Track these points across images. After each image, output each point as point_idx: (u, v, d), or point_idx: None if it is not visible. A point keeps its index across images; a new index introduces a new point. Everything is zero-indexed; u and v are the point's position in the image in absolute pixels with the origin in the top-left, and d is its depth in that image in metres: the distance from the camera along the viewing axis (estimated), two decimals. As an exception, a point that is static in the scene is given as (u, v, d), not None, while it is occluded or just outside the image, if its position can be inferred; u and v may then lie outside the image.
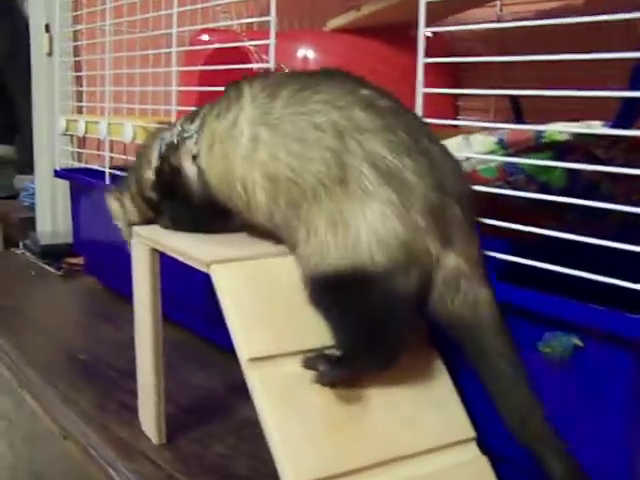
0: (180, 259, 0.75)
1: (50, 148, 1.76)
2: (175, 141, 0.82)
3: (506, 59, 0.75)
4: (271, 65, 0.98)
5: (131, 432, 0.89)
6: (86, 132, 1.43)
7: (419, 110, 0.80)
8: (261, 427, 0.88)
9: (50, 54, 1.78)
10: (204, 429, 0.90)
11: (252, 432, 0.88)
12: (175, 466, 0.82)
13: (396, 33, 1.36)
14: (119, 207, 0.89)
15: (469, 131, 0.85)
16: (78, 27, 1.55)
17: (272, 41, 0.97)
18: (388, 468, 0.65)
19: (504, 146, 0.80)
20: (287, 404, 0.64)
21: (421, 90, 0.79)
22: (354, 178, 0.66)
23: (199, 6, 1.19)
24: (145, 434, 0.88)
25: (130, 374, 1.03)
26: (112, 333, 1.22)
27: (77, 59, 1.59)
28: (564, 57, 0.68)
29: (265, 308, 0.68)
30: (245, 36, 1.17)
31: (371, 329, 0.66)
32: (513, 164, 0.79)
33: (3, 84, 3.22)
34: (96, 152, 1.44)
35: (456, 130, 0.88)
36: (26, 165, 3.10)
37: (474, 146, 0.83)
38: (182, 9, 1.14)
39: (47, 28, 1.82)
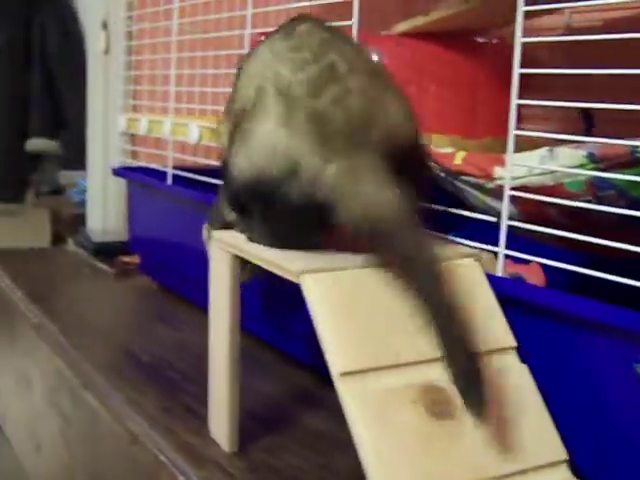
0: (266, 267, 0.73)
1: (104, 146, 1.76)
2: None
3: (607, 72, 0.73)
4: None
5: (200, 438, 0.87)
6: (148, 131, 1.42)
7: (512, 122, 0.78)
8: (331, 439, 0.88)
9: (106, 52, 1.78)
10: (273, 439, 0.88)
11: (322, 444, 0.88)
12: (248, 476, 0.80)
13: (460, 39, 1.35)
14: None
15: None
16: (141, 25, 1.53)
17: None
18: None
19: (594, 160, 0.78)
20: (380, 421, 0.63)
21: (515, 102, 0.77)
22: (262, 99, 0.74)
23: (273, 8, 1.18)
24: (214, 441, 0.86)
25: (193, 377, 1.04)
26: (171, 334, 1.22)
27: (138, 58, 1.57)
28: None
29: (358, 321, 0.66)
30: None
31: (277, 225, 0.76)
32: (603, 179, 0.77)
33: (51, 80, 3.23)
34: (158, 152, 1.42)
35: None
36: (71, 161, 3.12)
37: (560, 159, 0.81)
38: (257, 10, 1.13)
39: (104, 25, 1.82)
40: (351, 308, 0.67)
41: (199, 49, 1.38)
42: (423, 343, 0.67)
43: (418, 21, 1.29)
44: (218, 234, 0.81)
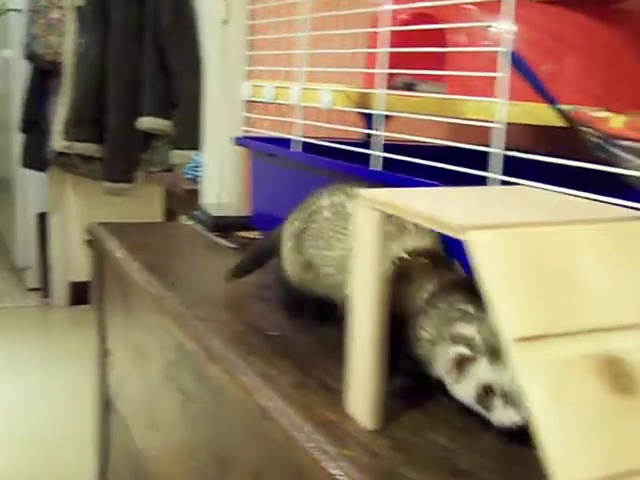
0: (426, 225, 0.67)
1: (221, 117, 1.72)
2: None
3: None
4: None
5: (338, 415, 0.81)
6: (275, 98, 1.36)
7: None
8: (478, 419, 0.81)
9: (226, 22, 1.74)
10: (414, 416, 0.82)
11: (469, 423, 0.81)
12: (395, 455, 0.74)
13: (604, 6, 1.27)
14: None
15: None
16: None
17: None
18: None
19: None
20: (559, 394, 0.56)
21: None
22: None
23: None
24: (354, 418, 0.80)
25: (324, 351, 0.98)
26: (296, 309, 1.16)
27: (260, 22, 1.52)
28: None
29: (533, 282, 0.60)
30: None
31: None
32: None
33: (163, 58, 3.23)
34: (285, 119, 1.37)
35: None
36: (183, 140, 3.12)
37: None
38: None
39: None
40: (525, 269, 0.60)
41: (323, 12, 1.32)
42: (604, 310, 0.61)
43: (561, -13, 1.22)
44: (364, 192, 0.75)
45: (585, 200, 0.77)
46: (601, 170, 0.88)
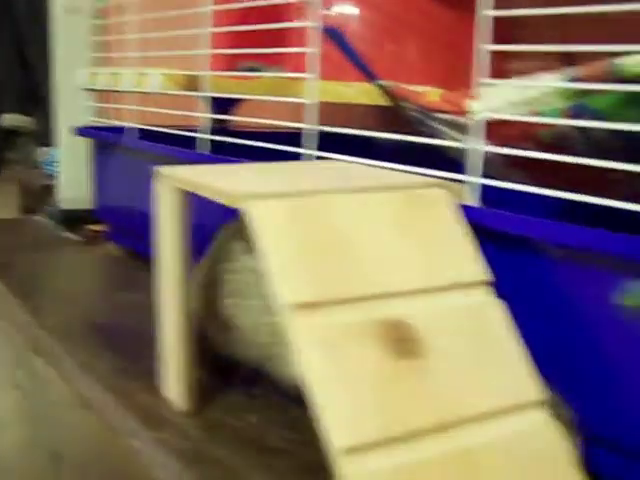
0: (207, 196, 0.66)
1: (70, 107, 1.68)
2: None
3: None
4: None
5: (155, 400, 0.81)
6: (112, 85, 1.33)
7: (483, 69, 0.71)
8: (290, 395, 0.81)
9: (73, 8, 1.69)
10: (230, 398, 0.82)
11: (282, 400, 0.81)
12: (206, 436, 0.73)
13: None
14: None
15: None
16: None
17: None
18: (448, 432, 0.56)
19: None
20: (335, 359, 0.55)
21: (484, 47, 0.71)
22: None
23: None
24: (170, 402, 0.79)
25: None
26: (135, 299, 1.14)
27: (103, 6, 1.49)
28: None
29: (309, 250, 0.59)
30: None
31: None
32: (580, 104, 0.71)
33: (22, 49, 3.12)
34: (122, 107, 1.34)
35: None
36: (46, 135, 3.03)
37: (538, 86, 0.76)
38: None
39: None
40: (302, 237, 0.60)
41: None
42: (388, 275, 0.61)
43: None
44: (161, 169, 0.74)
45: (387, 170, 0.77)
46: (422, 144, 0.88)
